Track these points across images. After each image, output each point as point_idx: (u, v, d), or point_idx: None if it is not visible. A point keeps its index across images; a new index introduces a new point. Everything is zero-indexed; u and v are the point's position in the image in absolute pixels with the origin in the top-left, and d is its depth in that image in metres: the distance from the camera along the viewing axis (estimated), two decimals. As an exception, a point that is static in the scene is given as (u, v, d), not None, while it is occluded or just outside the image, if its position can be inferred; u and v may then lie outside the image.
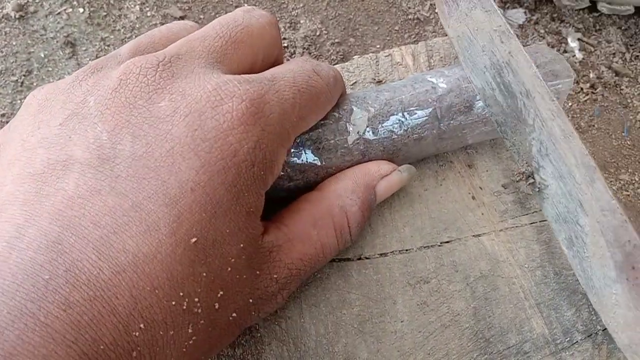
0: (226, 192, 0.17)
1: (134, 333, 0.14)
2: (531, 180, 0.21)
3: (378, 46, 0.72)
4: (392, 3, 0.74)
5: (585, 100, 0.99)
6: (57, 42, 0.71)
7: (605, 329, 0.24)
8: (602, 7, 1.23)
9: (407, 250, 0.25)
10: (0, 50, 0.70)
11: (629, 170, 0.70)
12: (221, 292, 0.17)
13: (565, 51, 1.08)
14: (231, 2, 0.74)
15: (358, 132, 0.23)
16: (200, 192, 0.16)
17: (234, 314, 0.18)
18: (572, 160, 0.19)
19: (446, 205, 0.26)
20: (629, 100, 0.99)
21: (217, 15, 0.73)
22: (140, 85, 0.17)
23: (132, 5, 0.73)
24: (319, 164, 0.23)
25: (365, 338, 0.23)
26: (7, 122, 0.69)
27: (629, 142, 0.72)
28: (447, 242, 0.25)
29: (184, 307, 0.16)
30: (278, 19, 0.82)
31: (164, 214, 0.15)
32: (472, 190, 0.26)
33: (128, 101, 0.17)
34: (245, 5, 0.74)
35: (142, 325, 0.15)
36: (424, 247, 0.25)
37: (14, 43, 0.71)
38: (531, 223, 0.26)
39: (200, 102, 0.17)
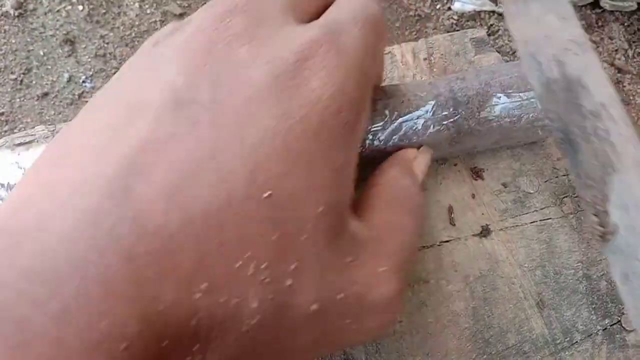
0: (308, 142, 0.15)
1: (195, 294, 0.13)
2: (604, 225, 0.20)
3: (378, 43, 0.72)
4: (392, 0, 0.74)
5: (587, 97, 0.98)
6: (56, 39, 0.71)
7: (606, 328, 0.23)
8: (605, 3, 1.23)
9: (406, 249, 0.24)
10: (-1, 48, 0.70)
11: (631, 168, 0.69)
12: (295, 264, 0.15)
13: (567, 48, 1.07)
14: (231, -1, 0.74)
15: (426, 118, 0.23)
16: (280, 141, 0.15)
17: (315, 307, 0.16)
18: (638, 193, 0.18)
19: (445, 204, 0.26)
20: (631, 98, 0.99)
21: (216, 13, 0.73)
22: (216, 30, 0.16)
23: (132, 3, 0.73)
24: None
25: (363, 338, 0.22)
26: (6, 121, 0.69)
27: (631, 140, 0.72)
28: (447, 241, 0.25)
29: (250, 272, 0.14)
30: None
31: (240, 163, 0.14)
32: (472, 189, 0.26)
33: (205, 46, 0.16)
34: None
35: (204, 285, 0.13)
36: (423, 246, 0.24)
37: (13, 41, 0.71)
38: (531, 222, 0.25)
39: (283, 50, 0.16)
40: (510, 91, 0.24)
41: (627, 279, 0.19)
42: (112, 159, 0.14)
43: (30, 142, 0.26)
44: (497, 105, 0.23)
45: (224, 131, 0.15)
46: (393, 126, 0.23)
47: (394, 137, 0.23)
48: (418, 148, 0.24)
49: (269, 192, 0.15)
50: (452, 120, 0.23)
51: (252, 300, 0.14)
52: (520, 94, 0.24)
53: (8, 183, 0.22)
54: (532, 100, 0.24)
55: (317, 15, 0.19)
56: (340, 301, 0.16)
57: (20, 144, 0.26)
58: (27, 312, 0.11)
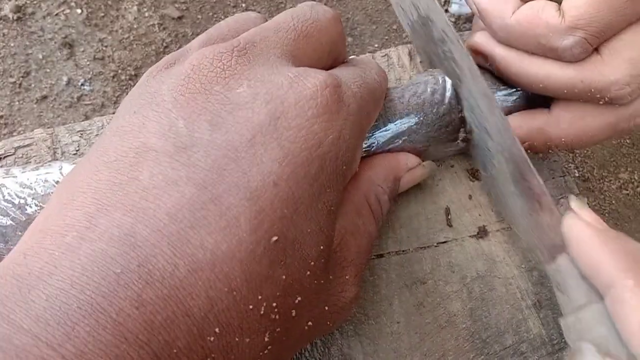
0: (309, 187, 0.16)
1: (208, 338, 0.13)
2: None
3: (376, 45, 0.72)
4: (390, 2, 0.74)
5: (585, 99, 0.99)
6: (55, 43, 0.71)
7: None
8: None
9: (403, 251, 0.24)
10: (-2, 51, 0.70)
11: (629, 169, 0.70)
12: (299, 298, 0.16)
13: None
14: (229, 2, 0.74)
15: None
16: (283, 186, 0.15)
17: (310, 323, 0.17)
18: (477, 95, 0.22)
19: (443, 205, 0.26)
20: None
21: (214, 16, 0.73)
22: (215, 70, 0.16)
23: (130, 6, 0.73)
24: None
25: (361, 339, 0.23)
26: (5, 124, 0.69)
27: (628, 141, 0.72)
28: (444, 242, 0.25)
29: (261, 312, 0.14)
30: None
31: (244, 208, 0.14)
32: (469, 189, 0.26)
33: (203, 87, 0.16)
34: (243, 5, 0.73)
35: (217, 330, 0.14)
36: (421, 247, 0.25)
37: (12, 44, 0.71)
38: (528, 223, 0.26)
39: (282, 89, 0.16)
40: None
41: (485, 168, 0.24)
42: (115, 205, 0.14)
43: (29, 144, 0.26)
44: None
45: (225, 175, 0.15)
46: (394, 129, 0.23)
47: (395, 140, 0.23)
48: (419, 155, 0.24)
49: (276, 238, 0.15)
50: (449, 118, 0.23)
51: (263, 335, 0.15)
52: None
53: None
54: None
55: (320, 54, 0.20)
56: (326, 312, 0.18)
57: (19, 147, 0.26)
58: (43, 354, 0.12)
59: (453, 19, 0.72)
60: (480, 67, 0.25)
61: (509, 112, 0.25)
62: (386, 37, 0.73)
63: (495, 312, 0.23)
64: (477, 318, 0.23)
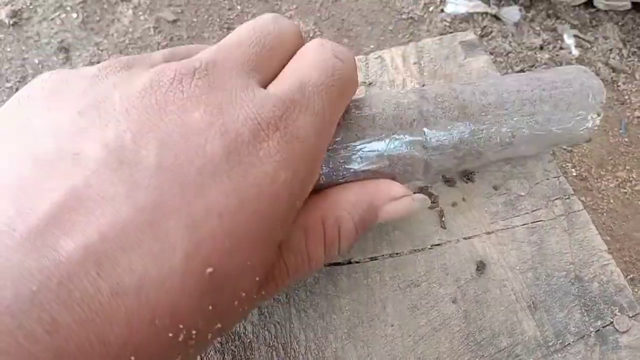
0: (257, 222, 0.15)
1: None
2: None
3: (372, 46, 0.72)
4: (385, 3, 0.74)
5: (583, 97, 0.99)
6: (51, 47, 0.71)
7: (598, 330, 0.23)
8: (599, 2, 1.23)
9: (397, 253, 0.24)
10: (-6, 56, 0.70)
11: (627, 168, 0.69)
12: (219, 325, 0.15)
13: (561, 48, 1.08)
14: (224, 5, 0.74)
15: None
16: (228, 220, 0.14)
17: (217, 340, 0.17)
18: None
19: (436, 207, 0.26)
20: (626, 97, 0.99)
21: (210, 19, 0.73)
22: (173, 90, 0.16)
23: (126, 10, 0.73)
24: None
25: (355, 343, 0.22)
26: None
27: (626, 140, 0.72)
28: (438, 244, 0.25)
29: (179, 339, 0.14)
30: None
31: (182, 236, 0.14)
32: (463, 191, 0.26)
33: (158, 104, 0.15)
34: (238, 7, 0.73)
35: (132, 358, 0.13)
36: (414, 250, 0.24)
37: (8, 49, 0.71)
38: (522, 224, 0.25)
39: (238, 122, 0.16)
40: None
41: None
42: (39, 211, 0.13)
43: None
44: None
45: (168, 199, 0.14)
46: (361, 151, 0.21)
47: (361, 165, 0.21)
48: (421, 189, 0.22)
49: (210, 269, 0.14)
50: (426, 140, 0.21)
51: (176, 359, 0.14)
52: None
53: None
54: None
55: (282, 67, 0.19)
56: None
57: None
58: None
59: (448, 20, 0.72)
60: None
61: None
62: (382, 38, 0.73)
63: (489, 314, 0.23)
64: (471, 320, 0.23)
